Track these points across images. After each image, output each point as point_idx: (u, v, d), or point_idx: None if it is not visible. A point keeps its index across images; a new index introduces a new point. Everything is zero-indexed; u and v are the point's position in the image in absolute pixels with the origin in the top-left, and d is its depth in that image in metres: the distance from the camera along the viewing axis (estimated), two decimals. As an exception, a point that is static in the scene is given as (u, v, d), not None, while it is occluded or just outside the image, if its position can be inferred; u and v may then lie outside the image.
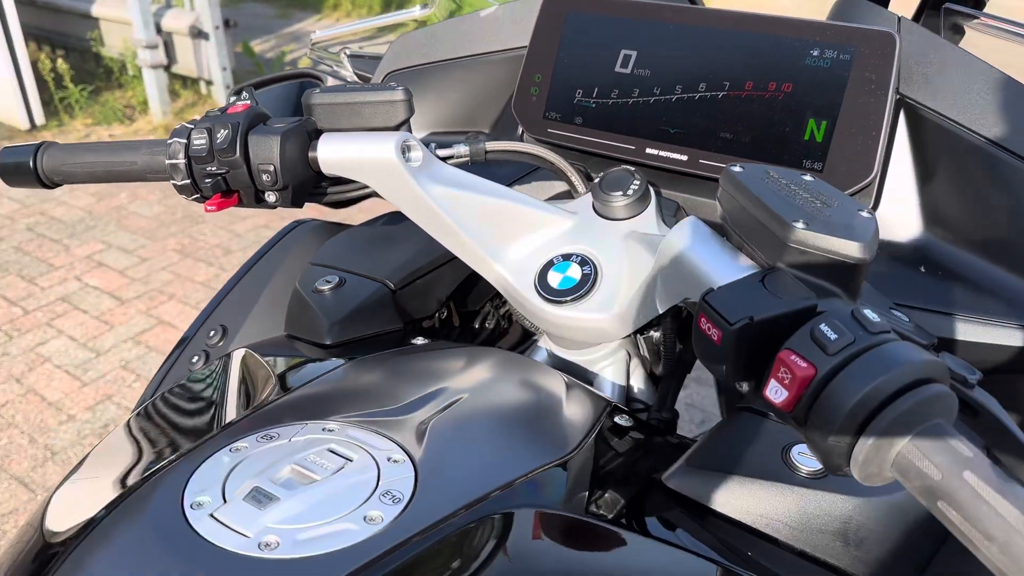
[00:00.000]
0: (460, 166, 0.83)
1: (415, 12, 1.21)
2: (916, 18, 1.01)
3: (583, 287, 0.77)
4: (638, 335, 0.86)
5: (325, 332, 0.82)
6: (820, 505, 0.64)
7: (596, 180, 0.80)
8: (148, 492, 0.57)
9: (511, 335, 1.06)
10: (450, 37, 1.06)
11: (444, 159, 0.83)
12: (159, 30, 4.75)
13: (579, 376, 0.81)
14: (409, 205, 0.80)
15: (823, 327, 0.49)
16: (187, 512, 0.54)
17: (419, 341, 0.83)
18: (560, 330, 0.80)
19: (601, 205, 0.80)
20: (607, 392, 0.83)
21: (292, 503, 0.54)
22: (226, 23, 4.77)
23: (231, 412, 0.71)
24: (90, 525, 0.54)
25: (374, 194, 0.84)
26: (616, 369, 0.84)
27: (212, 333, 0.98)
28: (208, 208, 0.80)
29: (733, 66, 0.86)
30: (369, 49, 1.20)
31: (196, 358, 0.96)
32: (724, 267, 0.60)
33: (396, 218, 0.97)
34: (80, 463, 0.67)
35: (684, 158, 0.88)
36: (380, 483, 0.57)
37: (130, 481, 0.59)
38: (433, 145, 0.83)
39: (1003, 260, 0.79)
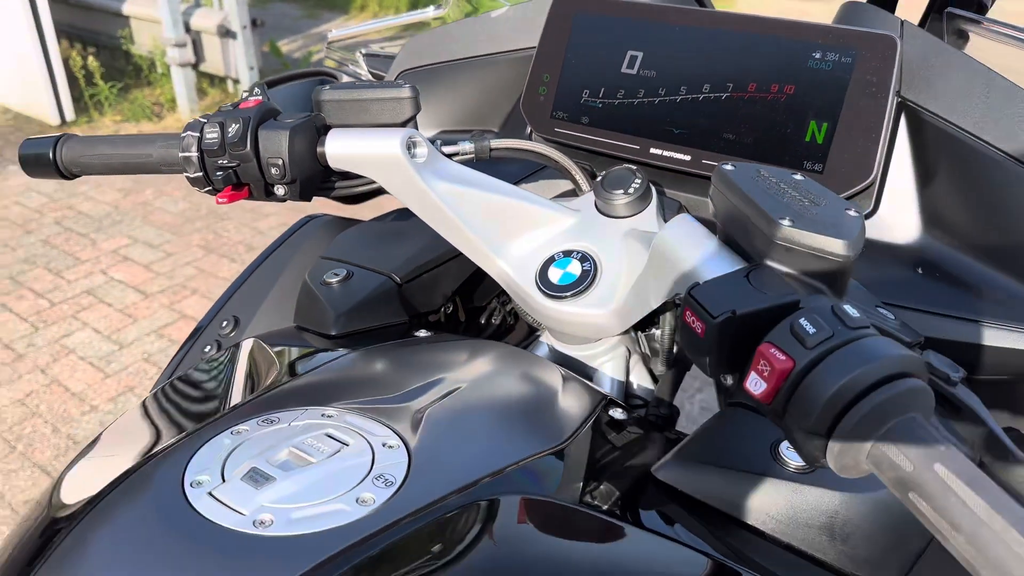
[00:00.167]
0: (466, 163, 0.85)
1: (429, 12, 1.23)
2: (922, 23, 1.01)
3: (582, 283, 0.78)
4: (638, 332, 0.87)
5: (331, 323, 0.84)
6: (807, 499, 0.65)
7: (598, 179, 0.82)
8: (151, 470, 0.59)
9: (517, 332, 1.08)
10: (462, 37, 1.08)
11: (449, 156, 0.84)
12: (188, 29, 4.81)
13: (579, 371, 0.83)
14: (414, 200, 0.82)
15: (802, 321, 0.50)
16: (187, 490, 0.56)
17: (422, 334, 0.85)
18: (560, 325, 0.81)
19: (603, 203, 0.81)
20: (606, 387, 0.84)
21: (287, 484, 0.56)
22: (253, 23, 4.83)
23: (237, 398, 0.73)
24: (94, 501, 0.56)
25: (381, 189, 0.86)
26: (615, 365, 0.85)
27: (225, 323, 1.00)
28: (219, 200, 0.82)
29: (737, 68, 0.87)
30: (384, 48, 1.23)
31: (209, 347, 0.98)
32: (713, 263, 0.61)
33: (405, 214, 0.99)
34: (91, 443, 0.70)
35: (687, 158, 0.89)
36: (374, 467, 0.58)
37: (136, 460, 0.61)
38: (439, 142, 0.84)
39: (1001, 263, 0.80)
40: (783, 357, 0.50)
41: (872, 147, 0.80)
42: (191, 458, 0.59)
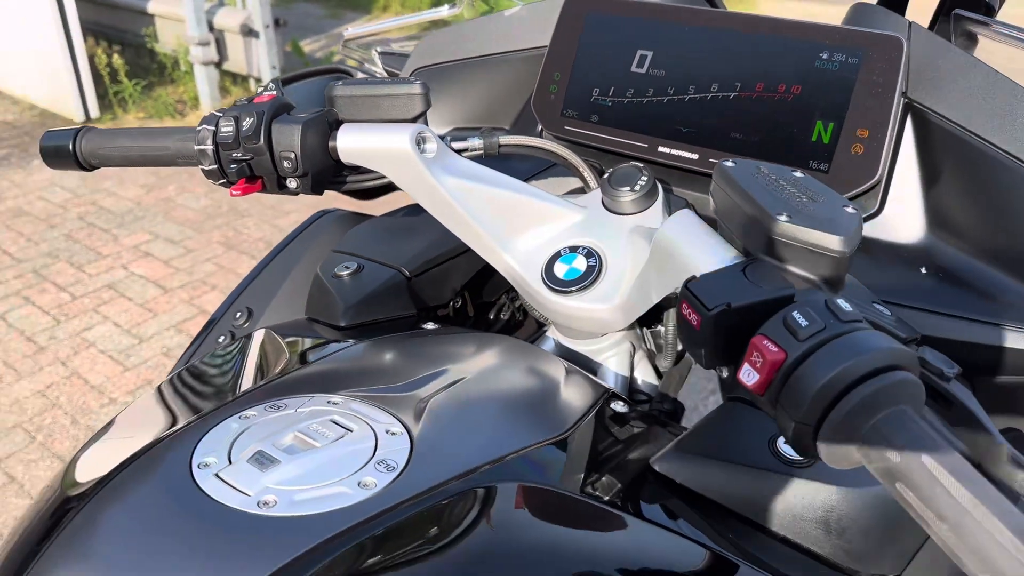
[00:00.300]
0: (475, 159, 0.86)
1: (443, 11, 1.25)
2: (931, 25, 1.02)
3: (587, 278, 0.79)
4: (643, 329, 0.88)
5: (341, 314, 0.86)
6: (804, 493, 0.66)
7: (605, 176, 0.83)
8: (161, 452, 0.61)
9: (526, 328, 1.09)
10: (475, 36, 1.09)
11: (459, 151, 0.86)
12: (211, 27, 4.86)
13: (584, 366, 0.84)
14: (423, 195, 0.83)
15: (795, 314, 0.51)
16: (194, 471, 0.57)
17: (430, 326, 0.86)
18: (564, 319, 0.82)
19: (609, 200, 0.82)
20: (610, 382, 0.85)
21: (292, 466, 0.58)
22: (276, 22, 4.87)
23: (246, 385, 0.75)
24: (104, 481, 0.58)
25: (391, 184, 0.87)
26: (620, 360, 0.86)
27: (238, 315, 1.02)
28: (233, 192, 0.84)
29: (745, 67, 0.88)
30: (400, 46, 1.24)
31: (223, 337, 1.00)
32: (712, 258, 0.62)
33: (416, 210, 1.01)
34: (105, 427, 0.72)
35: (695, 157, 0.90)
36: (377, 452, 0.60)
37: (146, 443, 0.63)
38: (448, 138, 0.86)
39: (1006, 265, 0.80)
40: (775, 349, 0.51)
41: (878, 147, 0.81)
42: (199, 441, 0.61)
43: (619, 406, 0.75)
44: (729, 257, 0.62)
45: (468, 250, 0.89)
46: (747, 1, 6.82)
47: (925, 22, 1.08)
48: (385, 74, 1.21)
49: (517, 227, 0.83)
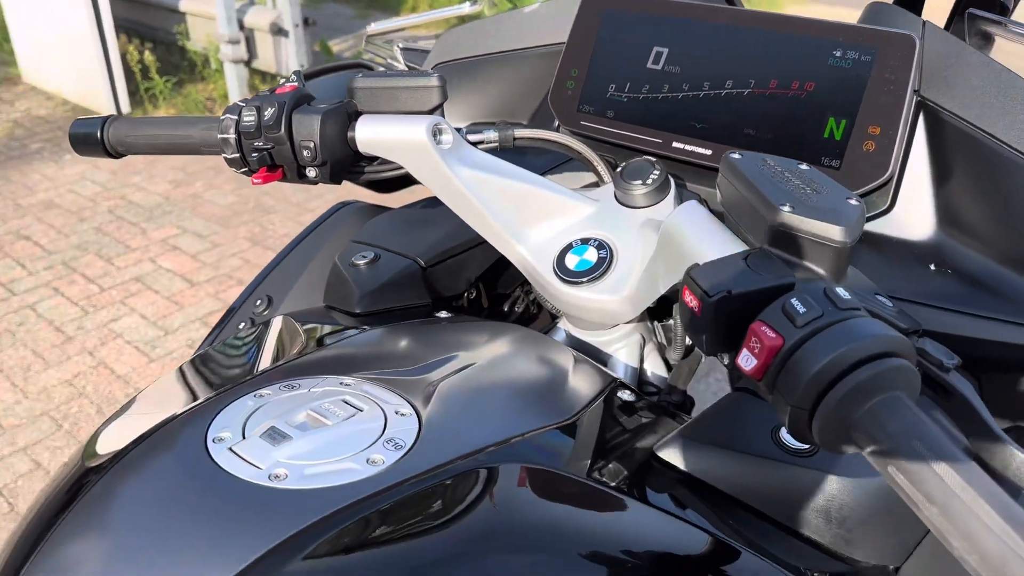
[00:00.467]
0: (490, 152, 0.87)
1: (465, 8, 1.26)
2: (947, 25, 1.02)
3: (598, 269, 0.80)
4: (654, 322, 0.90)
5: (356, 302, 0.88)
6: (805, 482, 0.66)
7: (618, 169, 0.84)
8: (177, 427, 0.63)
9: (541, 320, 1.10)
10: (494, 32, 1.11)
11: (474, 144, 0.87)
12: (241, 26, 4.92)
13: (594, 356, 0.85)
14: (439, 185, 0.85)
15: (794, 301, 0.52)
16: (209, 445, 0.59)
17: (443, 315, 0.88)
18: (575, 310, 0.84)
19: (622, 193, 0.83)
20: (620, 373, 0.86)
21: (303, 442, 0.59)
22: (305, 21, 4.92)
23: (263, 367, 0.77)
24: (122, 453, 0.60)
25: (408, 175, 0.89)
26: (629, 352, 0.87)
27: (259, 302, 1.04)
28: (254, 181, 0.86)
29: (759, 64, 0.89)
30: (421, 42, 1.26)
31: (243, 324, 1.02)
32: (717, 248, 0.63)
33: (433, 202, 1.02)
34: (126, 404, 0.74)
35: (708, 152, 0.91)
36: (386, 431, 0.61)
37: (164, 418, 0.65)
38: (464, 130, 0.87)
39: (1015, 262, 0.80)
40: (773, 335, 0.52)
41: (889, 145, 0.82)
42: (215, 417, 0.63)
43: (626, 395, 0.76)
44: (734, 247, 0.63)
45: (483, 242, 0.90)
46: (775, 4, 6.78)
47: (943, 23, 1.08)
48: (406, 69, 1.24)
49: (530, 218, 0.85)
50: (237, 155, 0.86)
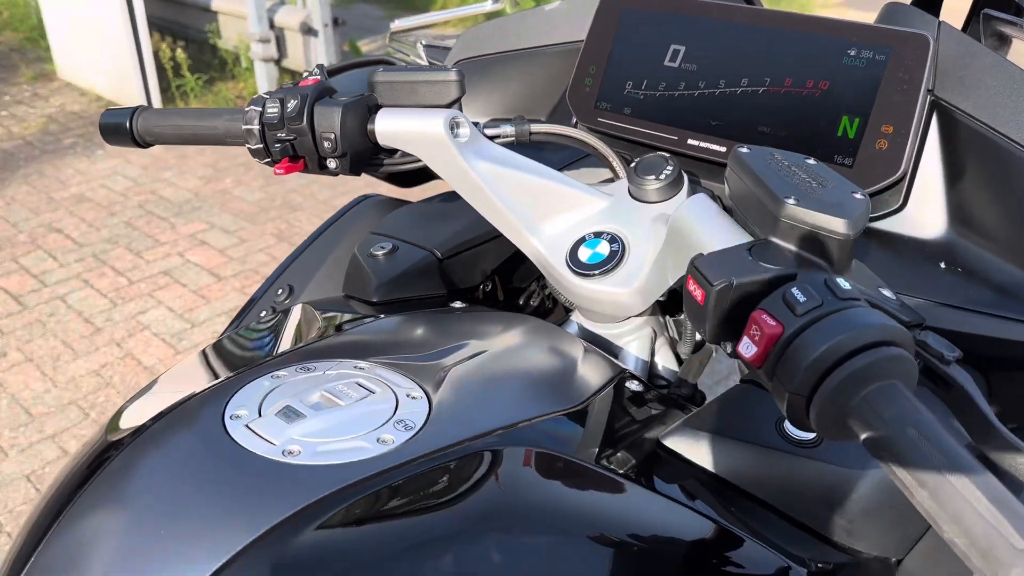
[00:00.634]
0: (507, 146, 0.89)
1: (487, 6, 1.28)
2: (965, 26, 1.02)
3: (610, 262, 0.82)
4: (666, 317, 0.91)
5: (374, 291, 0.90)
6: (809, 473, 0.68)
7: (632, 164, 0.86)
8: (196, 404, 0.65)
9: (555, 315, 1.12)
10: (515, 29, 1.13)
11: (491, 138, 0.89)
12: (272, 25, 4.98)
13: (605, 349, 0.87)
14: (455, 178, 0.86)
15: (794, 290, 0.53)
16: (227, 422, 0.62)
17: (457, 305, 0.90)
18: (587, 303, 0.85)
19: (635, 188, 0.84)
20: (630, 365, 0.87)
21: (316, 421, 0.61)
22: (335, 21, 4.96)
23: (281, 351, 0.79)
24: (143, 428, 0.63)
25: (426, 168, 0.91)
26: (640, 345, 0.88)
27: (280, 291, 1.07)
28: (277, 171, 0.89)
29: (774, 63, 0.90)
30: (444, 40, 1.28)
31: (264, 312, 1.05)
32: (723, 240, 0.64)
33: (452, 196, 1.04)
34: (149, 384, 0.76)
35: (723, 150, 0.92)
36: (396, 413, 0.63)
37: (184, 397, 0.67)
38: (481, 124, 0.89)
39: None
40: (773, 323, 0.53)
41: (902, 143, 0.82)
42: (233, 395, 0.65)
43: (635, 385, 0.77)
44: (740, 240, 0.64)
45: (499, 236, 0.92)
46: (806, 8, 6.74)
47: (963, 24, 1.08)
48: (427, 65, 1.26)
49: (545, 212, 0.86)
50: (260, 146, 0.88)
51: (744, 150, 0.65)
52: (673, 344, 0.92)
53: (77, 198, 3.96)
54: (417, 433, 0.61)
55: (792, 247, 0.60)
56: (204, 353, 0.82)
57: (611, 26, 1.01)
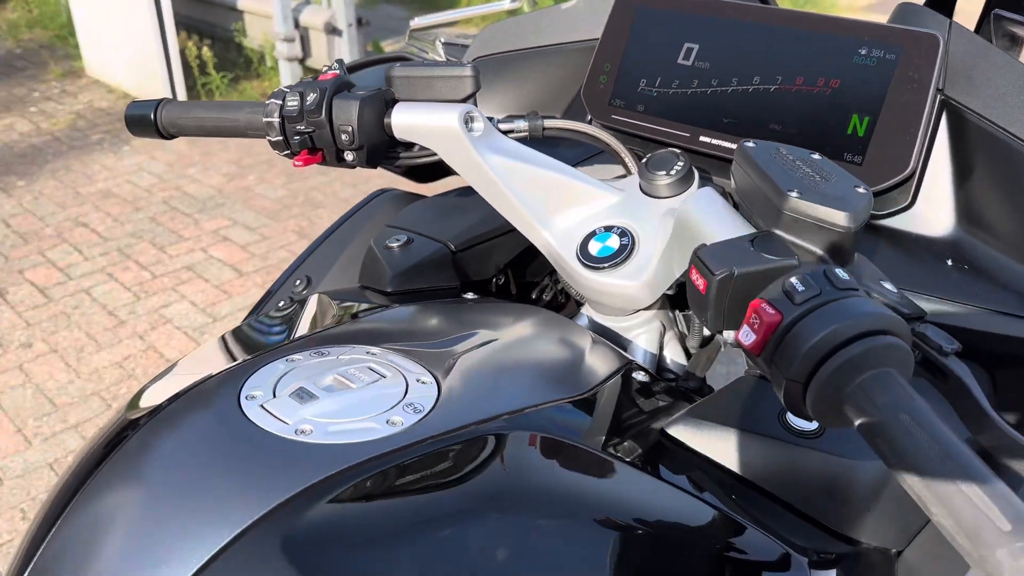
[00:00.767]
0: (520, 140, 0.91)
1: (505, 4, 1.30)
2: (978, 27, 1.03)
3: (619, 256, 0.83)
4: (675, 312, 0.92)
5: (388, 281, 0.92)
6: (810, 463, 0.69)
7: (643, 160, 0.87)
8: (213, 385, 0.67)
9: (568, 309, 1.13)
10: (532, 27, 1.15)
11: (505, 132, 0.91)
12: (297, 25, 5.02)
13: (614, 341, 0.88)
14: (469, 171, 0.88)
15: (793, 280, 0.55)
16: (242, 402, 0.64)
17: (469, 296, 0.92)
18: (596, 295, 0.86)
19: (646, 184, 0.86)
20: (639, 358, 0.89)
21: (328, 402, 0.63)
22: (359, 21, 5.00)
23: (297, 336, 0.81)
24: (161, 407, 0.65)
25: (441, 162, 0.93)
26: (649, 338, 0.90)
27: (298, 282, 1.09)
28: (296, 163, 0.91)
29: (786, 61, 0.91)
30: (463, 38, 1.30)
31: (283, 302, 1.07)
32: (728, 232, 0.66)
33: (467, 191, 1.06)
34: (169, 367, 0.79)
35: (734, 147, 0.93)
36: (406, 396, 0.65)
37: (201, 378, 0.69)
38: (496, 119, 0.91)
39: None
40: (772, 311, 0.54)
41: (911, 141, 0.83)
42: (249, 377, 0.67)
43: (641, 376, 0.79)
44: (745, 232, 0.65)
45: (513, 230, 0.93)
46: (833, 10, 6.71)
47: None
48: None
49: (556, 206, 0.88)
50: (280, 138, 0.90)
51: (750, 144, 0.66)
52: (682, 339, 0.93)
53: (103, 193, 4.02)
54: (426, 416, 0.63)
55: (794, 239, 0.61)
56: (223, 338, 0.84)
57: (626, 24, 1.02)
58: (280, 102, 0.89)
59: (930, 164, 0.86)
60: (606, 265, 0.83)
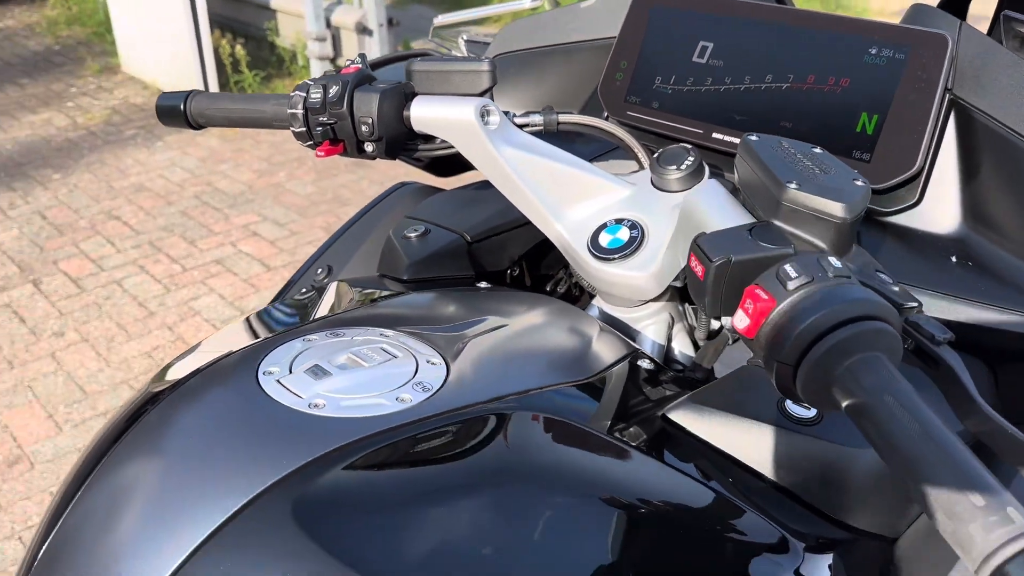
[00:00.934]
0: (535, 134, 0.93)
1: (526, 3, 1.33)
2: (991, 28, 1.04)
3: (628, 247, 0.85)
4: (685, 305, 0.94)
5: (405, 269, 0.95)
6: (806, 450, 0.70)
7: (655, 155, 0.89)
8: (233, 361, 0.70)
9: (582, 302, 1.15)
10: (552, 25, 1.17)
11: (520, 126, 0.93)
12: (328, 24, 5.09)
13: (623, 331, 0.90)
14: (485, 163, 0.91)
15: (787, 267, 0.57)
16: (259, 377, 0.67)
17: (483, 285, 0.94)
18: (605, 285, 0.89)
19: (657, 178, 0.88)
20: (647, 348, 0.91)
21: (341, 379, 0.66)
22: (389, 21, 5.06)
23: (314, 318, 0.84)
24: (182, 381, 0.68)
25: (458, 155, 0.95)
26: (657, 329, 0.92)
27: (320, 271, 1.12)
28: (318, 154, 0.94)
29: (798, 60, 0.93)
30: (485, 36, 1.33)
31: (304, 289, 1.10)
32: (730, 222, 0.68)
33: (485, 184, 1.09)
34: (193, 346, 0.82)
35: None
36: (416, 376, 0.68)
37: (222, 355, 0.72)
38: (511, 113, 0.93)
39: None
40: (766, 297, 0.56)
41: (917, 140, 0.85)
42: (267, 355, 0.70)
43: (646, 363, 0.81)
44: (744, 221, 0.67)
45: (527, 223, 0.96)
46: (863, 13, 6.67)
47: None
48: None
49: (569, 198, 0.90)
50: (303, 129, 0.93)
51: (753, 138, 0.68)
52: (691, 331, 0.95)
53: (136, 187, 4.09)
54: (434, 394, 0.66)
55: (792, 229, 0.63)
56: (247, 320, 0.87)
57: (642, 23, 1.04)
58: (304, 94, 0.92)
59: (937, 162, 0.88)
60: (616, 256, 0.86)
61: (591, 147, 1.09)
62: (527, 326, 0.81)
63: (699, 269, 0.61)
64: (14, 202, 3.94)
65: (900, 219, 0.89)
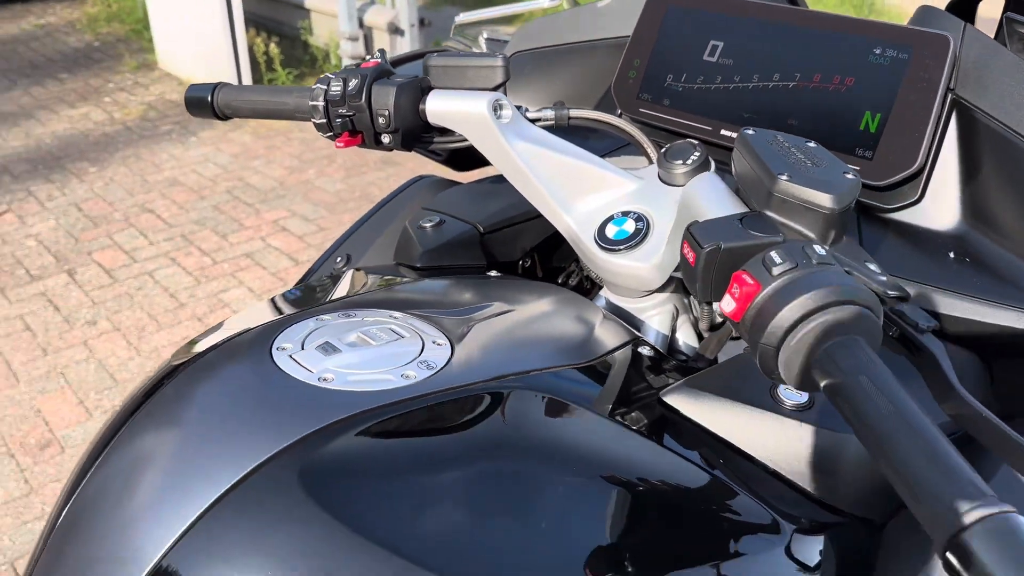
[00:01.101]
0: (547, 129, 0.96)
1: (544, 3, 1.36)
2: (997, 32, 1.05)
3: (634, 239, 0.88)
4: (690, 298, 0.96)
5: (418, 257, 0.98)
6: (798, 435, 0.73)
7: (662, 150, 0.92)
8: (248, 338, 0.74)
9: (593, 295, 1.18)
10: (568, 25, 1.20)
11: (533, 121, 0.96)
12: (361, 24, 5.15)
13: (628, 321, 0.93)
14: (497, 156, 0.94)
15: (773, 254, 0.59)
16: (273, 352, 0.70)
17: (493, 274, 0.97)
18: (610, 276, 0.91)
19: (664, 172, 0.90)
20: (651, 337, 0.93)
21: (350, 355, 0.69)
22: (421, 22, 5.11)
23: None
24: (199, 356, 0.72)
25: (472, 148, 0.98)
26: (662, 320, 0.94)
27: (339, 260, 1.16)
28: (337, 145, 0.97)
29: (805, 59, 0.95)
30: (506, 34, 1.36)
31: (324, 277, 1.14)
32: (724, 212, 0.70)
33: (500, 178, 1.12)
34: (216, 325, 0.86)
35: None
36: (421, 355, 0.71)
37: (239, 331, 0.76)
38: (524, 108, 0.96)
39: None
40: (751, 282, 0.59)
41: (919, 138, 0.87)
42: (281, 332, 0.74)
43: (646, 350, 0.83)
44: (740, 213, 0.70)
45: (539, 216, 0.99)
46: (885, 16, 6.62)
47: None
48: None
49: (578, 191, 0.93)
50: (324, 120, 0.97)
51: (750, 132, 0.71)
52: (695, 323, 0.97)
53: (170, 181, 4.17)
54: (437, 372, 0.69)
55: (783, 220, 0.65)
56: (271, 301, 0.91)
57: (656, 22, 1.07)
58: (325, 87, 0.96)
59: (939, 161, 0.89)
60: (621, 247, 0.88)
61: (604, 143, 1.12)
62: (532, 312, 0.84)
63: (691, 255, 0.64)
64: (52, 194, 4.04)
65: (901, 216, 0.91)
